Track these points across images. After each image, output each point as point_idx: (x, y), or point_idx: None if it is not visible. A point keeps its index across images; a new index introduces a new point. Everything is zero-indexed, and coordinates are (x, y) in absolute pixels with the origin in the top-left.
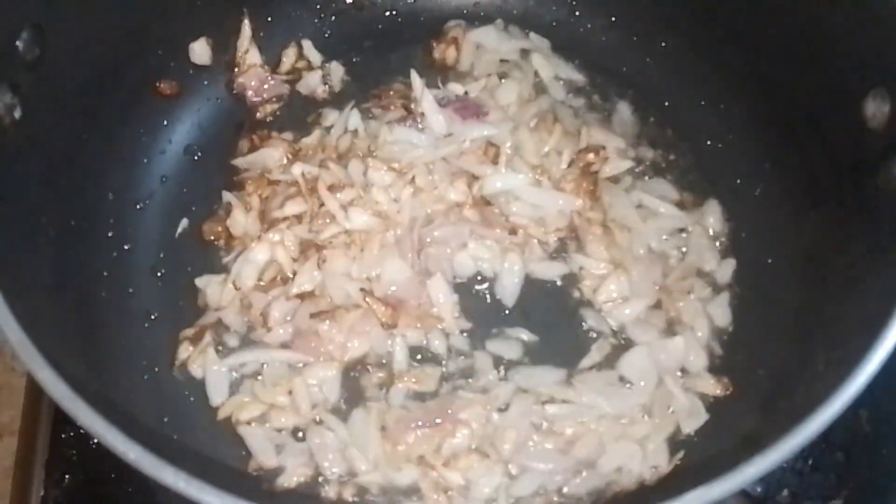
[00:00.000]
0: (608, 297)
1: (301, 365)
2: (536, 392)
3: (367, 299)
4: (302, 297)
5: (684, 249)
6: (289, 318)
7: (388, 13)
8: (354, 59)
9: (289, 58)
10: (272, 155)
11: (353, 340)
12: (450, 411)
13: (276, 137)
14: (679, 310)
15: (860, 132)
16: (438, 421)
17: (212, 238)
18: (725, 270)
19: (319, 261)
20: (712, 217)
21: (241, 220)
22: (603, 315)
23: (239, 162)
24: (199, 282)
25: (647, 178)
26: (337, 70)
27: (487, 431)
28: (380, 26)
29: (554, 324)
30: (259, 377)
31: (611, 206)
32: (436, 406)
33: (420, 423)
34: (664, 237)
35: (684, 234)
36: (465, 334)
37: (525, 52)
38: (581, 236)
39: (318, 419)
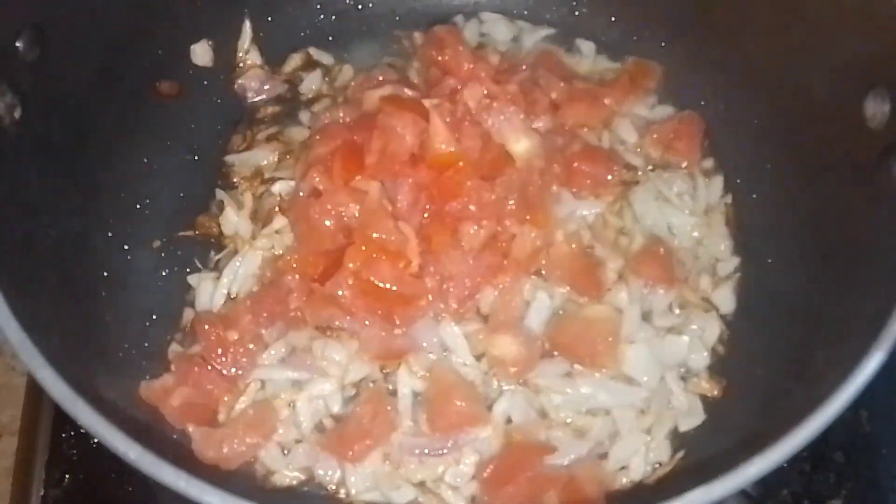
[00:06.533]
0: None
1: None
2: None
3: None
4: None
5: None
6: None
7: (389, 12)
8: (355, 59)
9: (293, 61)
10: (264, 154)
11: (354, 363)
12: (455, 441)
13: (268, 137)
14: (687, 306)
15: (860, 132)
16: (443, 452)
17: (203, 233)
18: (729, 265)
19: None
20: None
21: (232, 218)
22: None
23: (231, 159)
24: (192, 279)
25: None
26: (346, 72)
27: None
28: (381, 25)
29: None
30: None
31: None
32: (441, 436)
33: (426, 451)
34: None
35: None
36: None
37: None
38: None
39: (318, 424)
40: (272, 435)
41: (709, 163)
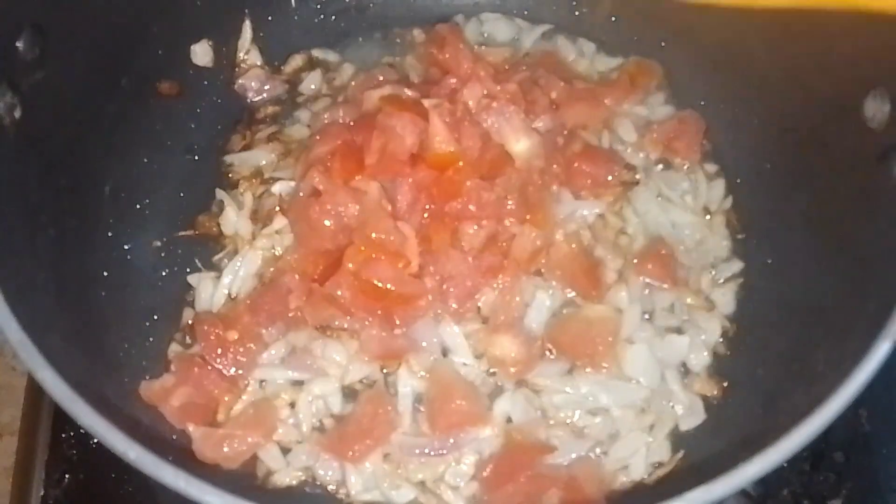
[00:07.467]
0: None
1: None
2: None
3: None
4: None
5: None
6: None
7: (389, 12)
8: (355, 59)
9: (294, 61)
10: (264, 154)
11: (354, 363)
12: (455, 441)
13: (268, 136)
14: (688, 307)
15: (860, 132)
16: (443, 452)
17: (203, 233)
18: (729, 265)
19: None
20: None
21: (232, 218)
22: None
23: (230, 159)
24: (192, 279)
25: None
26: (346, 72)
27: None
28: (381, 25)
29: None
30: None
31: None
32: (442, 435)
33: (427, 451)
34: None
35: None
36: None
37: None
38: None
39: (318, 424)
40: (272, 435)
41: (709, 163)
